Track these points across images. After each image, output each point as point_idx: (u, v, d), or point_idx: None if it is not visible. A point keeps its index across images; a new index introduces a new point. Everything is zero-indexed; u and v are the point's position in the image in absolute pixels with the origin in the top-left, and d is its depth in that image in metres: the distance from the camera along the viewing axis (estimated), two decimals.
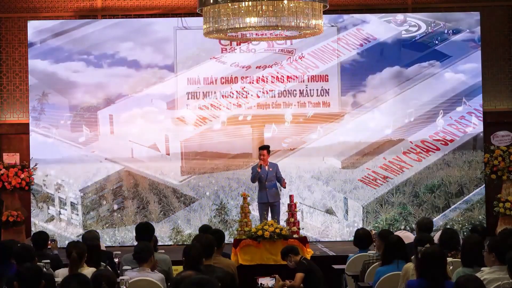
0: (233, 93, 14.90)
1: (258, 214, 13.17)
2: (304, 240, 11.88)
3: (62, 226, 14.79)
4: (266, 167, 12.98)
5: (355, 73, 14.96)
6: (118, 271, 8.23)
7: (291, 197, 12.48)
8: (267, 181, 12.94)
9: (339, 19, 14.96)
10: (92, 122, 14.86)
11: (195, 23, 14.54)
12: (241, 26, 10.75)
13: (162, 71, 14.95)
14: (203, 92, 14.89)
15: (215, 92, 14.89)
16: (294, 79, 14.94)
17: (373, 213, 14.90)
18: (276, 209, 13.02)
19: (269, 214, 12.86)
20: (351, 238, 11.66)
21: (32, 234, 11.00)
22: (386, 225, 14.80)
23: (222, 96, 14.89)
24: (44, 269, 7.34)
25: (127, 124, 14.91)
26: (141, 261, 7.54)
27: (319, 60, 14.94)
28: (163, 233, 14.63)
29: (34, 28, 14.80)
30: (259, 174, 12.90)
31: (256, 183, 13.23)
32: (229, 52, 14.93)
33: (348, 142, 15.00)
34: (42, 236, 9.44)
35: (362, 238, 9.55)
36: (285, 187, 13.38)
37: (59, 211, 14.83)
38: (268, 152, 13.15)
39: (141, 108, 14.94)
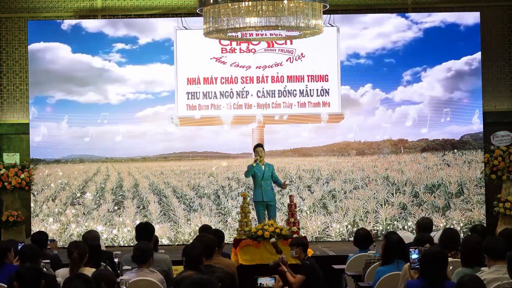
0: (233, 93, 14.91)
1: (256, 215, 13.14)
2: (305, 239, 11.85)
3: (62, 226, 14.78)
4: (263, 166, 12.95)
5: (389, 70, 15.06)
6: (118, 271, 8.23)
7: (291, 197, 12.47)
8: (263, 180, 12.90)
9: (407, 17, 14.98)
10: (92, 122, 14.89)
11: (195, 23, 14.55)
12: (241, 26, 10.74)
13: (162, 71, 14.95)
14: (203, 92, 14.89)
15: (215, 92, 14.89)
16: (294, 79, 14.94)
17: (373, 213, 14.90)
18: (272, 210, 12.98)
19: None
20: (351, 238, 11.67)
21: (32, 234, 10.98)
22: (386, 225, 14.81)
23: (222, 96, 14.90)
24: (44, 269, 7.34)
25: (127, 123, 14.91)
26: (141, 262, 7.52)
27: (319, 60, 14.93)
28: (163, 233, 14.63)
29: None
30: (254, 169, 12.85)
31: (252, 182, 13.18)
32: (229, 52, 14.93)
33: (348, 142, 15.01)
34: (42, 236, 9.46)
35: (362, 238, 9.54)
36: (285, 188, 13.38)
37: (59, 211, 14.83)
38: (263, 150, 13.15)
39: (141, 108, 14.94)
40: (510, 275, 6.14)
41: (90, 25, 14.94)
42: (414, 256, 6.79)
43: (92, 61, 14.90)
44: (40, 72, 14.83)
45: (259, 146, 13.15)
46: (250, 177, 13.05)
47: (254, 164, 12.85)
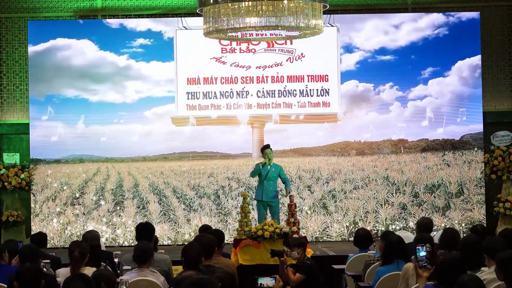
0: (233, 93, 14.91)
1: (256, 213, 13.15)
2: (304, 240, 11.85)
3: (62, 226, 14.78)
4: (269, 166, 12.96)
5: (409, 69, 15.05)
6: (118, 271, 8.23)
7: (291, 197, 12.48)
8: (266, 180, 12.92)
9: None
10: (91, 122, 14.90)
11: (195, 23, 14.55)
12: (241, 26, 10.74)
13: (162, 71, 14.94)
14: (203, 92, 14.89)
15: (215, 92, 14.89)
16: (294, 79, 14.94)
17: (373, 213, 14.90)
18: (273, 210, 12.99)
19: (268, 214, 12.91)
20: (351, 238, 11.66)
21: (31, 235, 11.01)
22: (386, 225, 14.81)
23: (222, 96, 14.90)
24: (44, 269, 7.34)
25: (127, 124, 14.91)
26: (141, 262, 7.51)
27: (319, 60, 14.94)
28: (163, 233, 14.63)
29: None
30: (260, 170, 12.87)
31: (252, 182, 13.21)
32: (229, 52, 14.93)
33: (348, 142, 15.01)
34: (41, 237, 9.47)
35: (362, 238, 9.54)
36: (286, 195, 13.29)
37: (59, 211, 14.82)
38: (271, 151, 13.14)
39: (141, 108, 14.94)
40: (498, 276, 6.02)
41: (109, 21, 14.96)
42: (422, 253, 6.62)
43: (98, 59, 14.89)
44: (48, 71, 14.83)
45: (267, 147, 13.10)
46: (250, 176, 13.08)
47: (261, 167, 12.85)
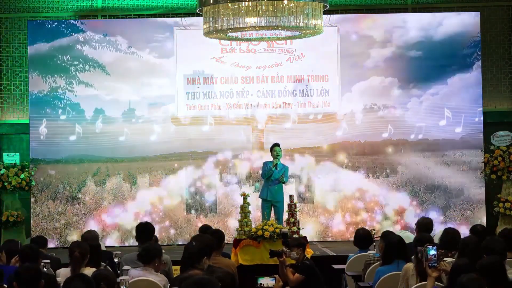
0: (233, 93, 14.91)
1: (261, 212, 13.17)
2: (304, 240, 11.84)
3: (62, 226, 14.78)
4: (275, 160, 12.95)
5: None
6: (118, 271, 8.23)
7: (291, 197, 12.47)
8: (272, 179, 12.92)
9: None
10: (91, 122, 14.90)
11: (195, 23, 14.55)
12: (241, 26, 10.75)
13: (162, 71, 14.94)
14: (203, 92, 14.89)
15: (215, 92, 14.89)
16: (294, 79, 14.94)
17: (373, 213, 14.90)
18: (277, 209, 12.99)
19: (273, 213, 12.89)
20: (351, 238, 11.67)
21: (31, 238, 11.02)
22: (386, 225, 14.80)
23: (222, 96, 14.89)
24: (44, 269, 7.35)
25: (127, 124, 14.90)
26: (144, 262, 7.50)
27: (319, 60, 14.93)
28: (163, 233, 14.63)
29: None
30: (272, 171, 12.87)
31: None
32: (229, 52, 14.92)
33: (348, 142, 15.00)
34: (41, 240, 9.51)
35: (362, 238, 9.54)
36: (279, 181, 13.14)
37: (59, 211, 14.82)
38: (281, 150, 13.12)
39: (141, 108, 14.93)
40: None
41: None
42: (432, 252, 6.49)
43: (102, 58, 14.90)
44: (51, 70, 14.84)
45: (276, 145, 13.04)
46: (262, 177, 13.12)
47: (273, 167, 12.82)
